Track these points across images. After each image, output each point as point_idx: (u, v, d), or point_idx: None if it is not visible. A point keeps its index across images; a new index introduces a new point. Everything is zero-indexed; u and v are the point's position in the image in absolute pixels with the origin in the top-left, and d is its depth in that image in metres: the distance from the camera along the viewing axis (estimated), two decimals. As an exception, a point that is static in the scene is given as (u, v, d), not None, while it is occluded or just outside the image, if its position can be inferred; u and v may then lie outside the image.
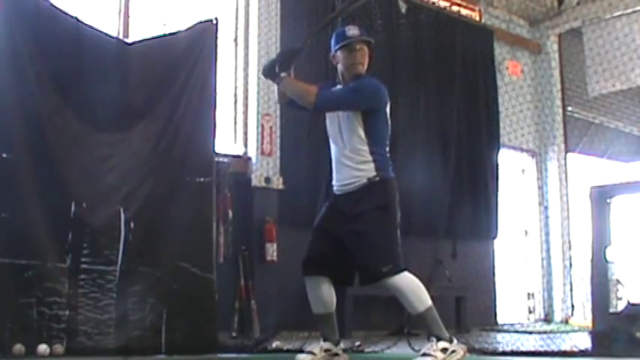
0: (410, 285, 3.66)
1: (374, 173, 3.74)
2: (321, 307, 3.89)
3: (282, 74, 3.90)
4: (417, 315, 3.68)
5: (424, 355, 3.60)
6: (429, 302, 3.67)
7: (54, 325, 4.23)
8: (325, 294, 3.86)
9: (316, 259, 3.85)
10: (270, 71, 3.93)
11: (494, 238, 9.21)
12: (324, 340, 3.92)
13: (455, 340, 3.67)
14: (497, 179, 9.19)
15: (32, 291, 4.19)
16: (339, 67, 3.93)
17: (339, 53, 3.89)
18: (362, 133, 3.77)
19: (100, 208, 4.51)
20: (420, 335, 5.23)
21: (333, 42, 3.94)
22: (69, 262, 4.35)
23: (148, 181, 4.67)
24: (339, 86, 3.94)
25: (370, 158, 3.75)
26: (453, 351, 3.61)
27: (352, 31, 3.88)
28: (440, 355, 3.57)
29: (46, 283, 4.24)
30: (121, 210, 4.53)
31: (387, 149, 3.87)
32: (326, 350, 3.88)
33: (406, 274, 3.68)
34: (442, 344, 3.60)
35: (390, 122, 3.91)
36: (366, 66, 3.90)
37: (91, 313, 4.34)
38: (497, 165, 9.24)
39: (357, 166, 3.77)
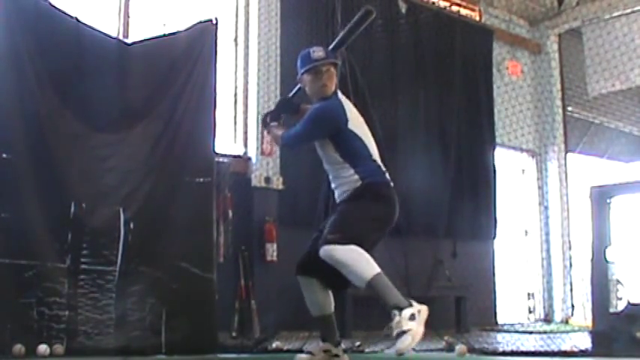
0: (352, 255, 3.49)
1: (359, 183, 3.77)
2: (317, 310, 3.89)
3: (272, 124, 4.12)
4: (367, 285, 3.46)
5: (399, 334, 3.33)
6: (377, 269, 3.47)
7: (54, 325, 4.23)
8: (319, 296, 3.86)
9: (307, 260, 3.85)
10: (264, 121, 4.21)
11: (493, 238, 9.19)
12: (323, 341, 3.92)
13: (414, 301, 3.43)
14: (494, 179, 9.15)
15: (32, 291, 4.20)
16: (307, 89, 3.94)
17: (305, 76, 3.89)
18: (337, 155, 3.81)
19: (99, 209, 4.51)
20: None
21: (298, 64, 3.93)
22: (68, 263, 4.35)
23: (148, 182, 4.67)
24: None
25: (353, 171, 3.78)
26: (419, 311, 3.38)
27: (318, 53, 3.86)
28: (413, 324, 3.33)
29: (46, 284, 4.24)
30: (121, 210, 4.54)
31: (373, 158, 3.85)
32: (325, 351, 3.88)
33: (351, 247, 3.50)
34: (406, 312, 3.35)
35: (360, 136, 3.84)
36: (333, 87, 3.89)
37: (91, 313, 4.35)
38: (493, 165, 9.18)
39: (344, 181, 3.81)
